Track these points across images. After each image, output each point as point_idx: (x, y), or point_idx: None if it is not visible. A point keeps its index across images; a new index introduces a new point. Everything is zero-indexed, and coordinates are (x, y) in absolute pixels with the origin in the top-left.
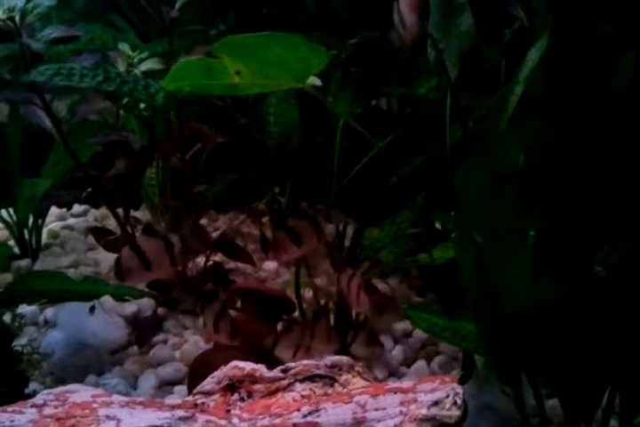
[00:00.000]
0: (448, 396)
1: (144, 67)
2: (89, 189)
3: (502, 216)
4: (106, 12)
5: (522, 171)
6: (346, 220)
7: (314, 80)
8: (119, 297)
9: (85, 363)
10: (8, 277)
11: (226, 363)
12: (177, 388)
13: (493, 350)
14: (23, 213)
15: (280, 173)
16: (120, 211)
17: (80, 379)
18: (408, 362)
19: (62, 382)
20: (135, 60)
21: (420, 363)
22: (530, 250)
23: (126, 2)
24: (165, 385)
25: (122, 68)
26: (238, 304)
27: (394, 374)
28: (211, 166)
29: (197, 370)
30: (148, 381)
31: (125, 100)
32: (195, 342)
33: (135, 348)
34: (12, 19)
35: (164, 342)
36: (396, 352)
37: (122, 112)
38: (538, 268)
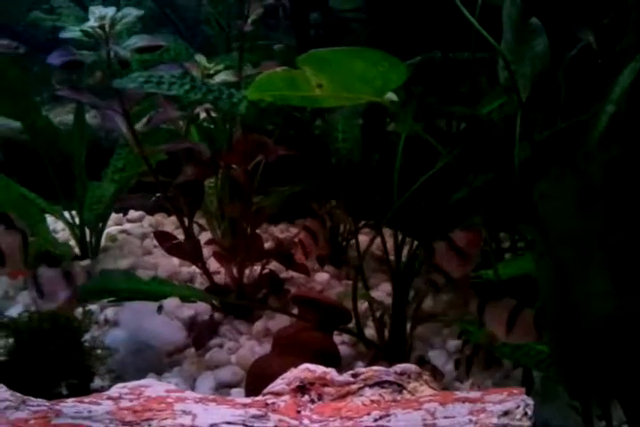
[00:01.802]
0: (519, 407)
1: (218, 78)
2: (158, 195)
3: (586, 231)
4: (157, 29)
5: (607, 187)
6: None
7: (391, 95)
8: (185, 298)
9: (146, 362)
10: None
11: (283, 369)
12: (234, 390)
13: (568, 366)
14: (88, 216)
15: (339, 188)
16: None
17: (140, 377)
18: (462, 378)
19: (122, 379)
20: (211, 72)
21: (474, 379)
22: (612, 266)
23: (178, 18)
24: (222, 387)
25: None
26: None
27: (447, 388)
28: (269, 178)
29: (255, 374)
30: (206, 382)
31: (197, 110)
32: (250, 348)
33: (192, 350)
34: (102, 27)
35: (220, 346)
36: (450, 367)
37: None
38: (620, 284)
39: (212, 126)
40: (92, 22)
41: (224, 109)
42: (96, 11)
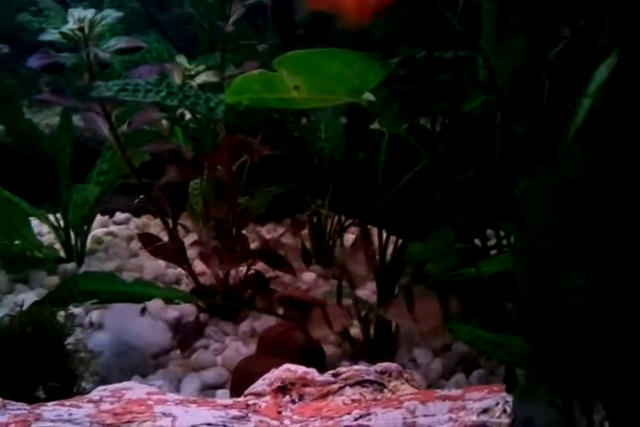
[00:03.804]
0: (498, 404)
1: (199, 79)
2: (141, 197)
3: (564, 227)
4: (142, 28)
5: (584, 184)
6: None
7: (368, 95)
8: (170, 300)
9: (130, 364)
10: (55, 279)
11: (268, 369)
12: (219, 391)
13: (547, 362)
14: (73, 219)
15: (323, 187)
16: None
17: (125, 380)
18: (447, 375)
19: (107, 382)
20: (192, 73)
21: (459, 376)
22: (589, 262)
23: (164, 18)
24: (208, 389)
25: (177, 80)
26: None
27: (432, 386)
28: (254, 178)
29: (240, 375)
30: (192, 384)
31: (179, 111)
32: (236, 349)
33: (177, 352)
34: (81, 29)
35: (206, 347)
36: (435, 365)
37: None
38: (597, 279)
39: (197, 127)
40: (70, 25)
41: (202, 114)
42: (75, 13)
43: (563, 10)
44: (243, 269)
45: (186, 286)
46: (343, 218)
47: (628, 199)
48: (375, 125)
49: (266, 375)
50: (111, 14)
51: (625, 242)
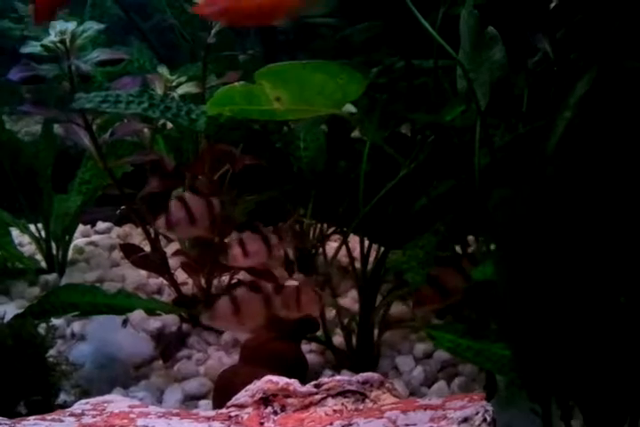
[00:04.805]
0: (478, 413)
1: (181, 90)
2: (122, 207)
3: (543, 237)
4: (125, 36)
5: (563, 194)
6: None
7: (349, 107)
8: (151, 311)
9: (112, 376)
10: (36, 290)
11: (251, 379)
12: (202, 402)
13: (526, 369)
14: (54, 229)
15: (304, 196)
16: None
17: (107, 391)
18: (428, 382)
19: (89, 394)
20: (174, 84)
21: (441, 384)
22: (566, 271)
23: (147, 27)
24: (190, 399)
25: (159, 90)
26: None
27: (415, 393)
28: (237, 188)
29: (222, 385)
30: (174, 395)
31: (161, 122)
32: (218, 359)
33: (160, 362)
34: (63, 41)
35: (189, 357)
36: (417, 373)
37: (146, 131)
38: (573, 289)
39: (179, 136)
40: (52, 37)
41: (183, 126)
42: (57, 25)
43: (540, 21)
44: (225, 278)
45: (168, 295)
46: (326, 226)
47: (604, 209)
48: (356, 134)
49: (248, 387)
50: (92, 27)
51: (601, 251)
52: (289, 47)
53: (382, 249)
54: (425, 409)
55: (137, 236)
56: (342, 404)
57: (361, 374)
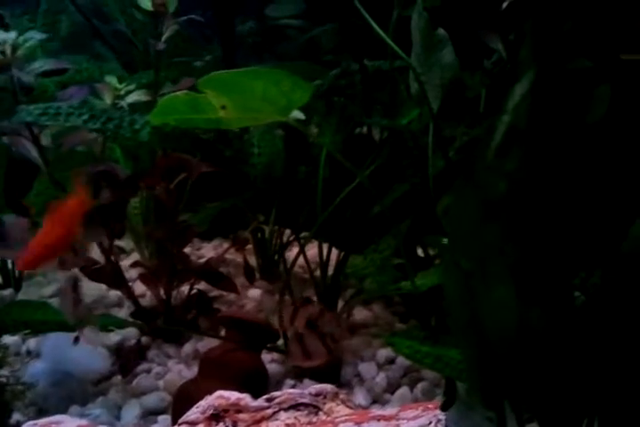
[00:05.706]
0: (430, 423)
1: (130, 99)
2: None
3: (487, 243)
4: (90, 41)
5: (505, 199)
6: (329, 248)
7: (297, 114)
8: (104, 327)
9: (69, 393)
10: None
11: (210, 392)
12: (161, 417)
13: (478, 376)
14: None
15: (264, 203)
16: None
17: (63, 410)
18: (391, 389)
19: (45, 412)
20: (122, 93)
21: (404, 389)
22: (513, 277)
23: (110, 31)
24: (149, 415)
25: (108, 100)
26: (222, 333)
27: (377, 400)
28: (195, 196)
29: (181, 399)
30: (132, 411)
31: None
32: (178, 372)
33: (119, 377)
34: (3, 52)
35: (148, 371)
36: (380, 379)
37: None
38: (520, 294)
39: (135, 144)
40: None
41: (126, 137)
42: None
43: (491, 22)
44: (185, 288)
45: (128, 308)
46: (288, 232)
47: (552, 214)
48: (313, 139)
49: (199, 403)
50: (34, 36)
51: (550, 257)
52: (256, 50)
53: (342, 254)
54: (378, 420)
55: (96, 248)
56: (295, 417)
57: (314, 386)
